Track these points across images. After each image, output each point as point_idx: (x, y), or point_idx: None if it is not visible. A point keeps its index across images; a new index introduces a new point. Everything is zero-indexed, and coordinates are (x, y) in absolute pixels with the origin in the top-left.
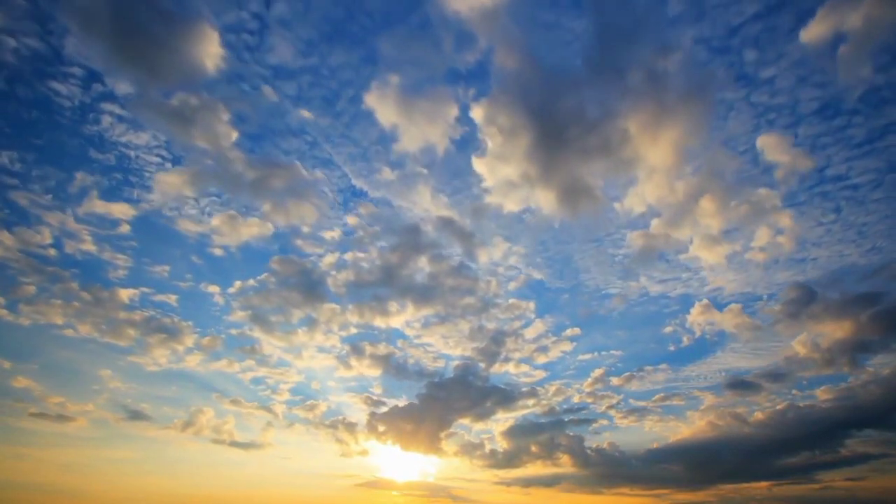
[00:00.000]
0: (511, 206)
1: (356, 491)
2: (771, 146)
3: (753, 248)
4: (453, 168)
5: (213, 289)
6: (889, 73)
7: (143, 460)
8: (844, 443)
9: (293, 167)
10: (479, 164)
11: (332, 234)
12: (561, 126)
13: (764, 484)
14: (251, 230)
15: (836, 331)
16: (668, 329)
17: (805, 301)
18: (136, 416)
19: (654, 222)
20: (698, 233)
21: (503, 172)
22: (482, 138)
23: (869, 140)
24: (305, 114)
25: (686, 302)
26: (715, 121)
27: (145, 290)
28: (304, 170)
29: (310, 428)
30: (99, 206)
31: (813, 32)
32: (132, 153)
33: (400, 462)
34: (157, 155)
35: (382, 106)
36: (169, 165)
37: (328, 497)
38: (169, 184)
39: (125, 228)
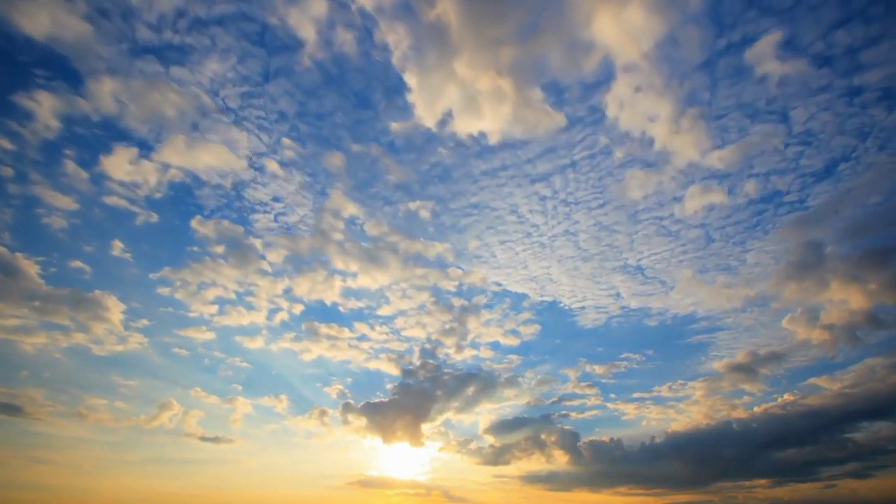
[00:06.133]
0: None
1: (350, 490)
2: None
3: (742, 193)
4: (371, 77)
5: (126, 255)
6: None
7: (114, 458)
8: (852, 437)
9: (180, 83)
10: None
11: (256, 186)
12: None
13: (764, 481)
14: (151, 174)
15: (844, 298)
16: (654, 309)
17: (809, 264)
18: (92, 408)
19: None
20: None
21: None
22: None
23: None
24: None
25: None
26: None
27: (54, 255)
28: (196, 88)
29: (283, 423)
30: None
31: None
32: None
33: (393, 460)
34: None
35: None
36: None
37: (323, 497)
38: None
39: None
